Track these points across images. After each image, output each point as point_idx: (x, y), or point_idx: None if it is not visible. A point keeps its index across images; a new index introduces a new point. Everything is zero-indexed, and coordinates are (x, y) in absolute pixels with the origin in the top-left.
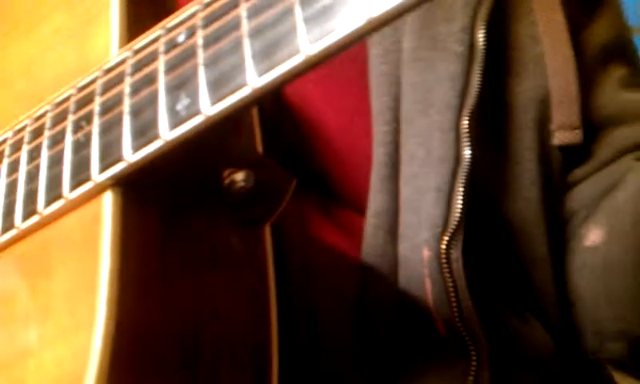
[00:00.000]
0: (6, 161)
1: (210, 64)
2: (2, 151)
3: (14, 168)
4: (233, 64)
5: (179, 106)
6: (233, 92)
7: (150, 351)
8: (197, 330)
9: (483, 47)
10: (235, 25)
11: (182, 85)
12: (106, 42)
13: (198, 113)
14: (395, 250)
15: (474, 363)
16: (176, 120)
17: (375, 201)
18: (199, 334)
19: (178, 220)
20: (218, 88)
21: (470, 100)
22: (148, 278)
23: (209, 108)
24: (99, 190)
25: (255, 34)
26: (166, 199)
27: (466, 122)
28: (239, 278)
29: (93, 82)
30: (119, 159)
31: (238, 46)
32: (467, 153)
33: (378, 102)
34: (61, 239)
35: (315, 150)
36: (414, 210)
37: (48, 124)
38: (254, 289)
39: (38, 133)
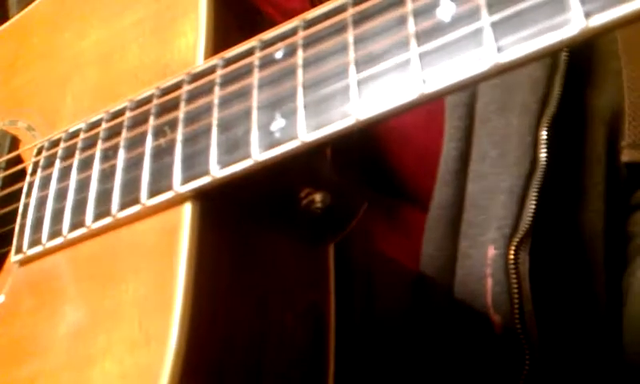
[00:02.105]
0: (77, 155)
1: (310, 87)
2: (75, 144)
3: (86, 164)
4: (336, 91)
5: (274, 127)
6: (334, 121)
7: (216, 369)
8: (260, 348)
9: (565, 57)
10: (341, 49)
11: (277, 104)
12: (192, 44)
13: (294, 137)
14: (455, 245)
15: (527, 365)
16: (270, 141)
17: (441, 194)
18: (262, 353)
19: (252, 235)
20: (317, 114)
21: (551, 108)
22: (220, 295)
23: (306, 133)
24: (179, 200)
25: (364, 62)
26: (242, 214)
27: (545, 129)
28: (302, 297)
29: (178, 86)
30: (205, 173)
31: (343, 72)
32: (544, 159)
33: (453, 97)
34: (133, 245)
35: (387, 146)
36: (482, 208)
37: (127, 123)
38: (316, 308)
39: (115, 131)
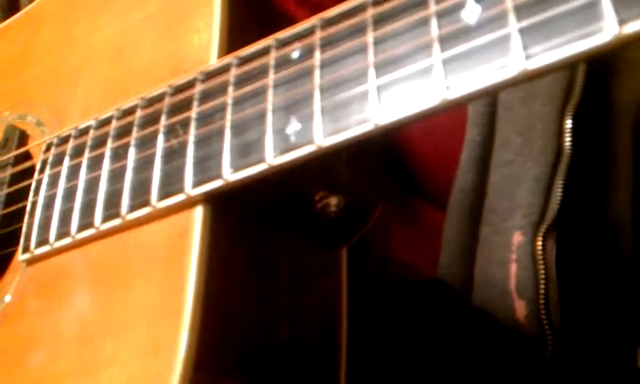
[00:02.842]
0: (87, 153)
1: (327, 90)
2: (84, 142)
3: (96, 163)
4: (354, 95)
5: (289, 130)
6: (352, 126)
7: (224, 374)
8: (272, 355)
9: None
10: (361, 51)
11: (293, 107)
12: (205, 40)
13: (310, 142)
14: (475, 231)
15: (549, 351)
16: (285, 145)
17: (463, 179)
18: (274, 360)
19: (264, 239)
20: (335, 119)
21: (575, 97)
22: (231, 302)
23: (322, 138)
24: (190, 203)
25: (384, 66)
26: (255, 218)
27: (570, 118)
28: (313, 301)
29: (191, 85)
30: (217, 176)
31: (362, 76)
32: (568, 147)
33: None
34: (143, 248)
35: (410, 133)
36: (506, 196)
37: (138, 122)
38: (327, 311)
39: (125, 129)
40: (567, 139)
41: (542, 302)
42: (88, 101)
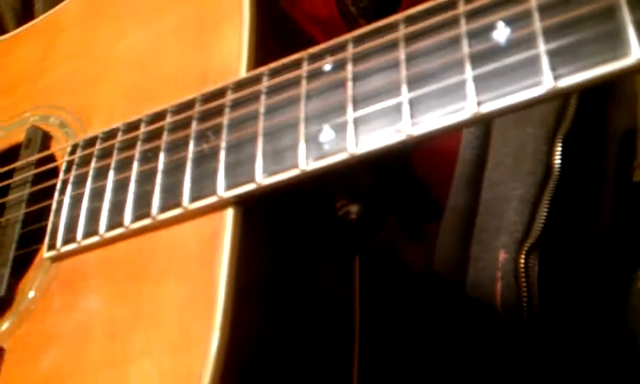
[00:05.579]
0: (115, 155)
1: (360, 101)
2: (112, 144)
3: (125, 165)
4: (388, 108)
5: (322, 138)
6: (385, 136)
7: (255, 372)
8: (290, 348)
9: None
10: (393, 66)
11: (326, 116)
12: (235, 51)
13: (343, 150)
14: (467, 249)
15: (535, 366)
16: (318, 153)
17: (456, 198)
18: (292, 353)
19: (289, 241)
20: (368, 129)
21: (567, 121)
22: (260, 300)
23: (355, 147)
24: (221, 205)
25: (416, 80)
26: (281, 220)
27: (561, 141)
28: (330, 305)
29: (222, 93)
30: (250, 180)
31: (395, 89)
32: (557, 168)
33: None
34: (173, 248)
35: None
36: (495, 214)
37: (168, 127)
38: (342, 316)
39: (155, 134)
40: (557, 161)
41: (525, 318)
42: (113, 105)
